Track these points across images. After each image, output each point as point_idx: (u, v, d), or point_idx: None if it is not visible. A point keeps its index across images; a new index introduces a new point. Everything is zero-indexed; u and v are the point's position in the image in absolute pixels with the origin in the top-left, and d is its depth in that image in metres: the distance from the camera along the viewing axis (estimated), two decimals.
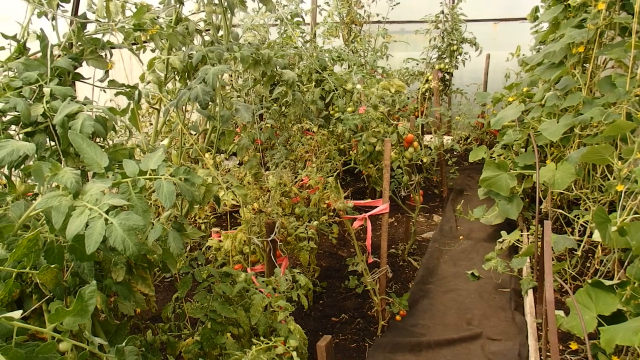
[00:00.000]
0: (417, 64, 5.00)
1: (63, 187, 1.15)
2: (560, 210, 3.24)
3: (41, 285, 1.18)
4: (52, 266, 1.18)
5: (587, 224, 2.99)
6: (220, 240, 2.87)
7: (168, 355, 1.84)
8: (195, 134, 2.45)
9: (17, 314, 0.89)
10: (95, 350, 0.98)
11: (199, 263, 2.21)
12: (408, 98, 3.78)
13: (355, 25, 4.88)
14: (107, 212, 1.14)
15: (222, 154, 4.03)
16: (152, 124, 3.99)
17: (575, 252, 2.98)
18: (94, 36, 1.75)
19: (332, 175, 3.09)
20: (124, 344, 1.01)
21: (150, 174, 1.36)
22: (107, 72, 1.81)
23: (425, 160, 3.33)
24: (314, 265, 3.01)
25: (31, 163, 1.40)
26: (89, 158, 1.28)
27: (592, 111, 2.87)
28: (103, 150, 1.44)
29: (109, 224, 1.12)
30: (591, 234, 2.94)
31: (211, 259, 2.96)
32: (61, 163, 1.53)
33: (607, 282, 2.36)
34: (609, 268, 2.84)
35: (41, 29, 1.61)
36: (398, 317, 2.96)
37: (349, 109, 3.23)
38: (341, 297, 3.26)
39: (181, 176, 1.37)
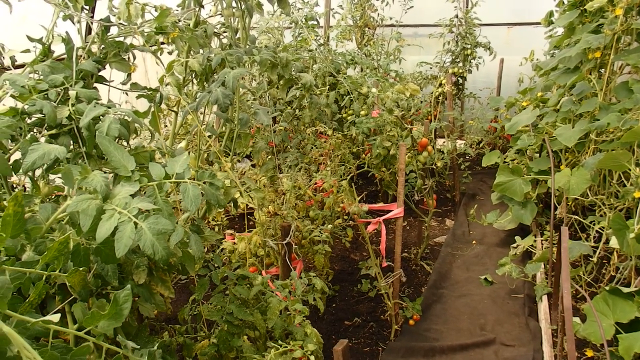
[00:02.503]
0: (431, 68, 4.99)
1: (92, 190, 1.15)
2: (575, 216, 3.21)
3: (70, 287, 1.19)
4: (81, 269, 1.19)
5: (602, 230, 2.96)
6: (234, 243, 2.88)
7: (187, 358, 1.84)
8: (212, 137, 2.46)
9: (56, 317, 0.90)
10: (130, 354, 0.99)
11: (216, 265, 2.21)
12: (421, 102, 3.77)
13: (369, 28, 4.88)
14: (135, 215, 1.15)
15: (234, 156, 4.04)
16: (166, 126, 4.01)
17: (590, 259, 2.96)
18: (116, 39, 1.76)
19: (345, 179, 3.09)
20: (155, 347, 1.02)
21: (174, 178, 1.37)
22: (129, 74, 1.82)
23: (438, 164, 3.32)
24: (327, 269, 3.00)
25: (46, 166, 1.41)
26: (116, 161, 1.28)
27: (609, 117, 2.85)
28: None
29: (138, 227, 1.12)
30: (607, 240, 2.91)
31: (225, 262, 2.96)
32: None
33: (625, 290, 2.34)
34: (624, 275, 2.81)
35: (66, 32, 1.62)
36: (412, 322, 2.94)
37: (362, 112, 3.23)
38: (354, 301, 3.25)
39: (206, 180, 1.37)
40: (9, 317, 0.88)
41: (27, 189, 2.22)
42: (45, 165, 1.21)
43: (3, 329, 0.79)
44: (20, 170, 1.31)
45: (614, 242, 2.64)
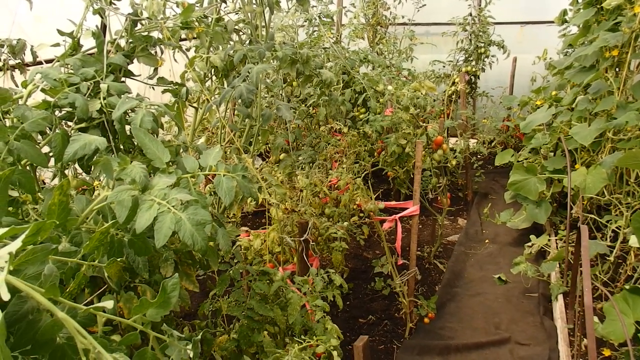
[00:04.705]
0: (444, 66, 4.99)
1: (131, 181, 1.16)
2: (592, 215, 3.20)
3: (107, 278, 1.20)
4: (118, 260, 1.19)
5: (619, 230, 2.96)
6: (249, 240, 2.88)
7: (213, 353, 1.84)
8: (231, 133, 2.47)
9: (109, 303, 0.90)
10: (175, 342, 0.99)
11: (237, 261, 2.22)
12: (434, 100, 3.77)
13: (381, 26, 4.88)
14: (174, 206, 1.15)
15: (246, 153, 4.04)
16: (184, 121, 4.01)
17: (607, 258, 2.95)
18: (143, 34, 1.77)
19: (360, 177, 3.09)
20: (199, 336, 1.03)
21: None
22: (155, 69, 1.83)
23: (452, 163, 3.32)
24: (342, 266, 3.00)
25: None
26: (151, 153, 1.29)
27: (627, 115, 2.84)
28: None
29: (178, 218, 1.13)
30: (624, 239, 2.91)
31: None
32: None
33: None
34: None
35: (97, 26, 1.63)
36: (427, 320, 2.94)
37: (378, 110, 3.23)
38: (368, 299, 3.25)
39: (239, 173, 1.37)
40: (57, 305, 0.89)
41: (46, 184, 2.23)
42: (86, 156, 1.22)
43: (58, 315, 0.79)
44: (54, 160, 1.31)
45: (633, 241, 2.64)
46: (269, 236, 2.71)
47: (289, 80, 3.28)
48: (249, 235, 2.96)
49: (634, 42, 2.98)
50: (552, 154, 3.58)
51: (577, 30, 3.70)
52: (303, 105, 3.40)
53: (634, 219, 2.39)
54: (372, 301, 3.23)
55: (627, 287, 2.36)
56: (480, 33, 4.75)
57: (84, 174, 1.69)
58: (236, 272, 2.17)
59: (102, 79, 1.53)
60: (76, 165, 1.62)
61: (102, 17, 1.66)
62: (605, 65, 3.15)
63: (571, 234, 2.94)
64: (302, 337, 2.02)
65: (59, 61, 1.59)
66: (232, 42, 2.36)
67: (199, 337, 0.98)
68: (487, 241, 3.91)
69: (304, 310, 2.21)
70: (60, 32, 1.62)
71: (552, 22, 4.19)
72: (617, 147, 3.01)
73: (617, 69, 3.19)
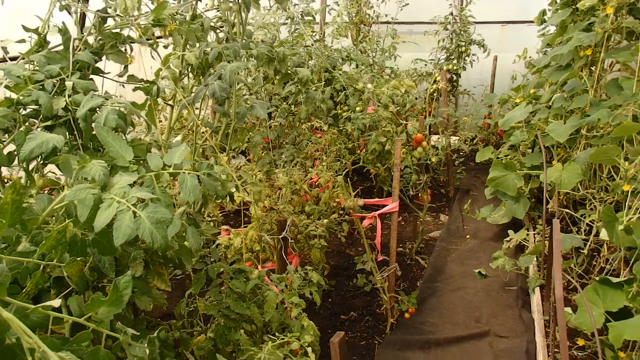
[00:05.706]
0: (425, 65, 5.03)
1: (91, 180, 1.15)
2: (567, 210, 3.26)
3: (67, 278, 1.19)
4: (79, 259, 1.19)
5: (593, 223, 3.01)
6: (229, 238, 2.88)
7: (186, 352, 1.84)
8: (208, 131, 2.46)
9: (56, 302, 0.90)
10: (129, 340, 0.99)
11: (213, 260, 2.21)
12: (416, 98, 3.80)
13: (364, 25, 4.90)
14: (134, 205, 1.15)
15: (230, 151, 4.03)
16: (161, 122, 3.99)
17: (581, 251, 3.00)
18: (113, 31, 1.76)
19: (341, 174, 3.10)
20: (156, 333, 1.02)
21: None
22: (126, 66, 1.81)
23: (433, 160, 3.34)
24: (323, 264, 3.01)
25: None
26: (114, 152, 1.28)
27: (599, 113, 2.89)
28: None
29: (137, 216, 1.12)
30: (597, 233, 2.96)
31: (220, 257, 2.95)
32: None
33: (615, 279, 2.38)
34: (614, 266, 2.86)
35: (63, 23, 1.61)
36: (407, 315, 2.97)
37: (358, 109, 3.24)
38: (350, 295, 3.26)
39: (204, 171, 1.37)
40: (8, 305, 0.88)
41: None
42: (43, 154, 1.21)
43: (3, 314, 0.78)
44: (17, 159, 1.30)
45: (604, 234, 2.69)
46: (248, 234, 2.71)
47: (270, 78, 3.28)
48: (229, 234, 2.95)
49: (606, 42, 3.03)
50: (530, 150, 3.63)
51: (555, 30, 3.76)
52: (285, 103, 3.40)
53: (603, 213, 2.44)
54: (354, 298, 3.24)
55: (597, 278, 2.41)
56: (462, 32, 4.80)
57: (58, 173, 1.67)
58: (212, 271, 2.16)
59: (67, 77, 1.51)
60: (54, 166, 1.60)
61: (69, 13, 1.64)
62: (580, 64, 3.20)
63: (547, 228, 2.99)
64: (281, 334, 2.02)
65: (24, 58, 1.56)
66: (209, 40, 2.35)
67: (156, 334, 0.98)
68: (468, 237, 3.96)
69: (281, 308, 2.22)
70: (25, 28, 1.59)
71: (532, 22, 4.25)
72: (591, 144, 3.06)
73: (591, 68, 3.25)
